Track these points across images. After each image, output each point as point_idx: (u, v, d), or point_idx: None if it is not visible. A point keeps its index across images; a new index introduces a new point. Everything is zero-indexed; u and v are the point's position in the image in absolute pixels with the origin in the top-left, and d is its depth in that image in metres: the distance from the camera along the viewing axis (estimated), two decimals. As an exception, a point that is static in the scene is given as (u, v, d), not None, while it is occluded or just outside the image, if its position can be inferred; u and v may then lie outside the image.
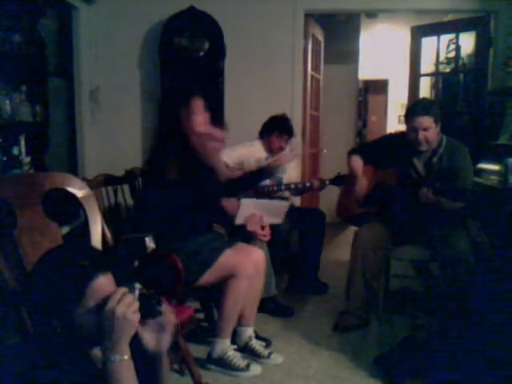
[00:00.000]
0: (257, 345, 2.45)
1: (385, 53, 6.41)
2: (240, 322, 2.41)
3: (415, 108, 2.68)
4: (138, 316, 1.11)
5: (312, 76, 4.50)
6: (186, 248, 2.24)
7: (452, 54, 4.59)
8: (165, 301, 1.18)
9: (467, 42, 4.38)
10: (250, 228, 2.51)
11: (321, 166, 5.18)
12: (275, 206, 2.79)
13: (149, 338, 1.17)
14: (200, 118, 2.35)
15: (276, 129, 3.34)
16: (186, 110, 2.34)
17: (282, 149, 3.38)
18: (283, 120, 3.38)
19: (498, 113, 3.58)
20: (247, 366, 2.30)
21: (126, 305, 1.09)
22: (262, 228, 2.55)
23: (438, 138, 2.72)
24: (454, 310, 2.59)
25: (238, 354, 2.36)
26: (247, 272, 2.26)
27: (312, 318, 2.98)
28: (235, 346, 2.41)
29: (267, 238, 2.60)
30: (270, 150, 3.38)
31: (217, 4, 3.86)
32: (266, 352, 2.42)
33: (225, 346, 2.33)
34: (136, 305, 1.11)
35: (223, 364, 2.32)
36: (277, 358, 2.42)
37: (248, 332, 2.45)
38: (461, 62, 4.56)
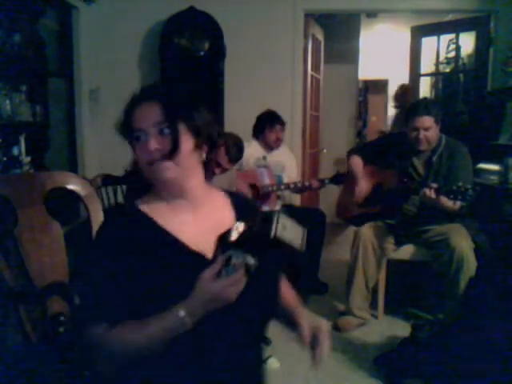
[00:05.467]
0: None
1: (385, 53, 6.40)
2: None
3: (416, 108, 2.69)
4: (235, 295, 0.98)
5: (312, 76, 4.50)
6: None
7: (452, 54, 4.59)
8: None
9: (467, 42, 4.38)
10: None
11: (321, 166, 5.18)
12: None
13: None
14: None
15: (266, 123, 3.38)
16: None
17: (279, 140, 3.41)
18: (269, 113, 3.43)
19: (498, 113, 3.58)
20: None
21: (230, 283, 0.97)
22: None
23: (438, 138, 2.72)
24: (454, 310, 2.59)
25: None
26: None
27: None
28: None
29: None
30: (269, 146, 3.42)
31: (217, 4, 3.86)
32: (264, 356, 2.41)
33: None
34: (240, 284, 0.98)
35: None
36: (273, 363, 2.39)
37: None
38: (461, 62, 4.56)
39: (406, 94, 4.88)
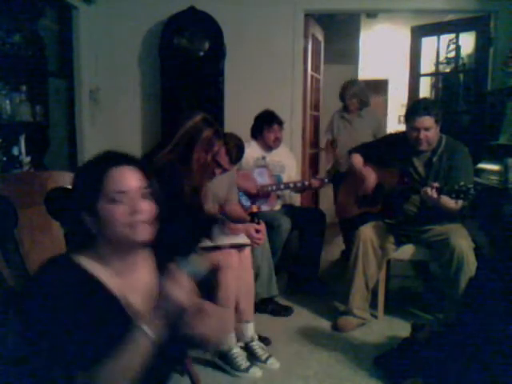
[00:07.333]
0: (258, 347, 2.45)
1: (385, 53, 6.40)
2: (238, 317, 2.42)
3: (417, 107, 2.68)
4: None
5: (312, 76, 4.50)
6: None
7: (452, 54, 4.59)
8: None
9: (467, 42, 4.38)
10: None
11: (321, 166, 5.18)
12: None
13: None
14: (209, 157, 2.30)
15: (264, 123, 3.38)
16: (207, 143, 2.20)
17: (278, 139, 3.40)
18: (267, 113, 3.43)
19: (498, 113, 3.57)
20: (247, 368, 2.30)
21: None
22: (257, 231, 2.53)
23: (438, 138, 2.72)
24: (454, 310, 2.59)
25: (243, 354, 2.37)
26: (232, 262, 2.29)
27: (312, 318, 2.98)
28: (241, 344, 2.43)
29: (261, 242, 2.59)
30: (268, 146, 3.42)
31: (217, 4, 3.86)
32: (264, 356, 2.41)
33: (230, 342, 2.34)
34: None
35: (227, 361, 2.33)
36: (274, 364, 2.39)
37: (249, 329, 2.45)
38: (461, 62, 4.56)
39: (345, 89, 4.09)
